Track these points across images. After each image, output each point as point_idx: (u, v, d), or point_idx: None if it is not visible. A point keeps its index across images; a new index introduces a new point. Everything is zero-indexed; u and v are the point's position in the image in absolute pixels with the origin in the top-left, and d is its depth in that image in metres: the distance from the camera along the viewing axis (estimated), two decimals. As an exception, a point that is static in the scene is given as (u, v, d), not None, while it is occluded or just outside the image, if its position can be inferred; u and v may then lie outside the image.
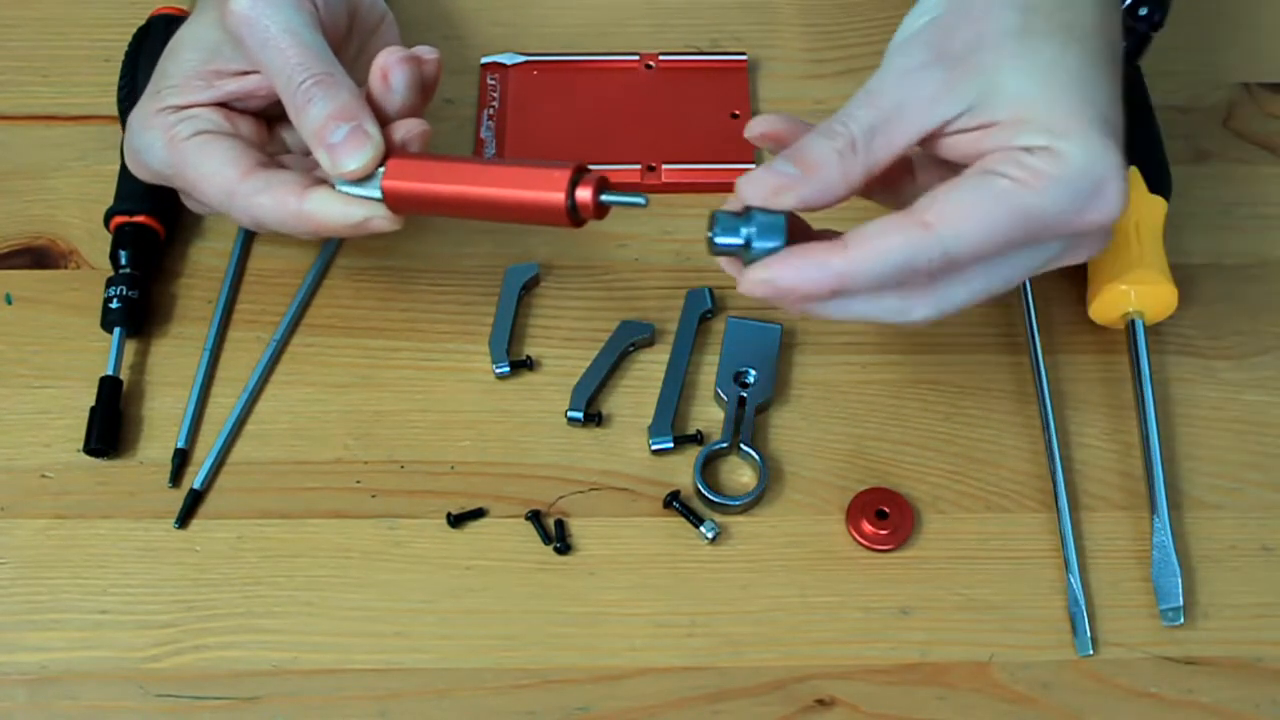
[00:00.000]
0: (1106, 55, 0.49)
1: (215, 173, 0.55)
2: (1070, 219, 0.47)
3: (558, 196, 0.51)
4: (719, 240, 0.49)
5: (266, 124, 0.59)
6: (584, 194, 0.51)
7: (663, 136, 0.67)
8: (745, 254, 0.48)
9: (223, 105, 0.57)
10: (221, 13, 0.55)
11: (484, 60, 0.70)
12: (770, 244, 0.48)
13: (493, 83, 0.69)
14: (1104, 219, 0.47)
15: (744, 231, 0.48)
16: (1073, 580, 0.56)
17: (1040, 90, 0.47)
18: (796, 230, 0.49)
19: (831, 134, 0.48)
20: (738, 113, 0.68)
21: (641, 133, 0.68)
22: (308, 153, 0.59)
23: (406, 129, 0.55)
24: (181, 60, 0.57)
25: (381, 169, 0.53)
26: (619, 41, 0.72)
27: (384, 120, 0.55)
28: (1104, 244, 0.50)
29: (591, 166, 0.66)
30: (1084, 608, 0.55)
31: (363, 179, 0.53)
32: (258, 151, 0.56)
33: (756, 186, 0.48)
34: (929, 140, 0.49)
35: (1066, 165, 0.46)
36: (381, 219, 0.54)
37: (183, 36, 0.58)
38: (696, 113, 0.68)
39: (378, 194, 0.54)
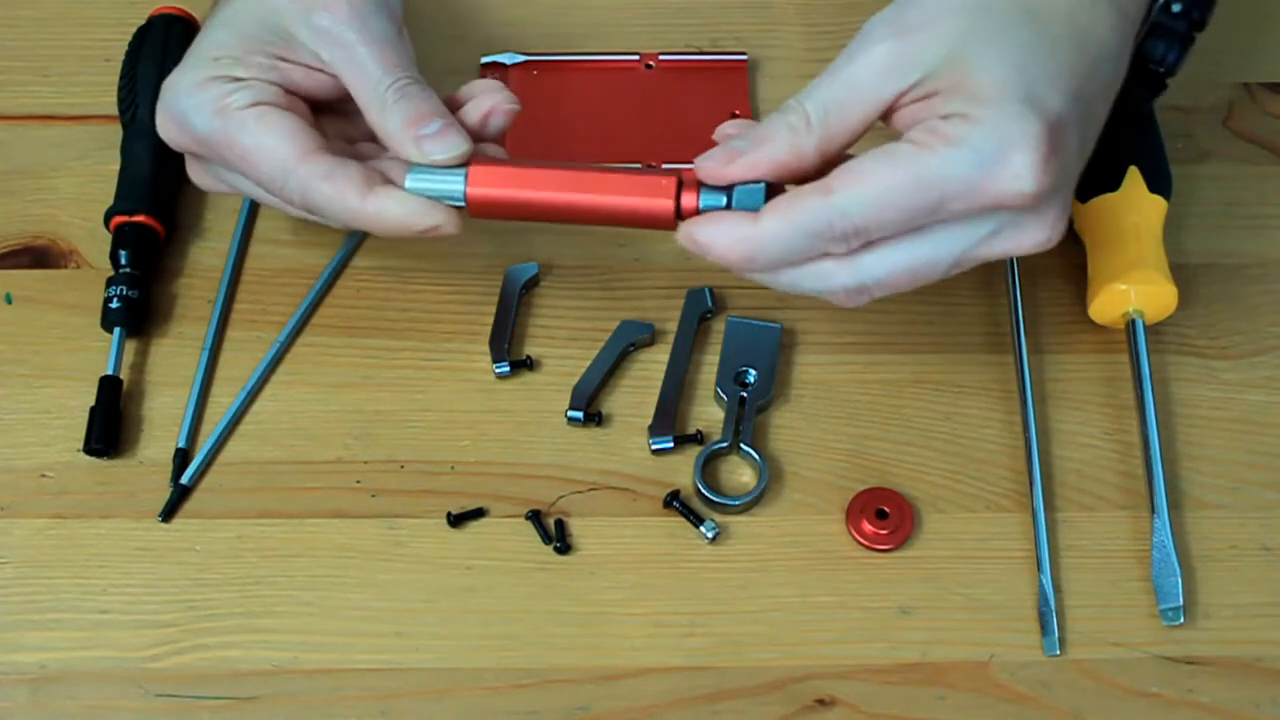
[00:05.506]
0: (1064, 40, 0.49)
1: (275, 147, 0.54)
2: (974, 187, 0.47)
3: (667, 204, 0.52)
4: (703, 203, 0.52)
5: (313, 113, 0.58)
6: (689, 199, 0.52)
7: (663, 136, 0.67)
8: None
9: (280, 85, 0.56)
10: (305, 7, 0.55)
11: (484, 60, 0.70)
12: (750, 205, 0.50)
13: None
14: (1014, 191, 0.47)
15: (725, 196, 0.51)
16: (1044, 580, 0.56)
17: (977, 59, 0.48)
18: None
19: (787, 110, 0.50)
20: (737, 112, 0.68)
21: (641, 132, 0.68)
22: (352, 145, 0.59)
23: (493, 151, 0.57)
24: (246, 33, 0.56)
25: (461, 172, 0.54)
26: (619, 41, 0.71)
27: None
28: (1046, 233, 0.50)
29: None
30: (1054, 607, 0.55)
31: (434, 186, 0.54)
32: (317, 134, 0.55)
33: (710, 159, 0.51)
34: (889, 115, 0.50)
35: (970, 129, 0.46)
36: (448, 225, 0.54)
37: (248, 9, 0.56)
38: (696, 112, 0.68)
39: (450, 198, 0.54)
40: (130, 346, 0.62)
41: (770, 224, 0.49)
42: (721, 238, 0.50)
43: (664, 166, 0.66)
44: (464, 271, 0.64)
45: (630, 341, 0.62)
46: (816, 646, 0.55)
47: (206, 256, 0.65)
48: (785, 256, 0.50)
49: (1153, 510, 0.57)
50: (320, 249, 0.64)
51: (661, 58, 0.70)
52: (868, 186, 0.48)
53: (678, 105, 0.68)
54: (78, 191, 0.66)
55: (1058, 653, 0.55)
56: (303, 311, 0.62)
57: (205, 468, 0.59)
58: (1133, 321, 0.60)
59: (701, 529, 0.57)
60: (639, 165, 0.66)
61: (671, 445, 0.59)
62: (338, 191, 0.53)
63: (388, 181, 0.54)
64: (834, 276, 0.50)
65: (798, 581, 0.57)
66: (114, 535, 0.57)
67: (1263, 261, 0.65)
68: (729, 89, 0.69)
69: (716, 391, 0.61)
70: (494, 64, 0.70)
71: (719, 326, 0.63)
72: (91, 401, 0.59)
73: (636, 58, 0.70)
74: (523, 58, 0.70)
